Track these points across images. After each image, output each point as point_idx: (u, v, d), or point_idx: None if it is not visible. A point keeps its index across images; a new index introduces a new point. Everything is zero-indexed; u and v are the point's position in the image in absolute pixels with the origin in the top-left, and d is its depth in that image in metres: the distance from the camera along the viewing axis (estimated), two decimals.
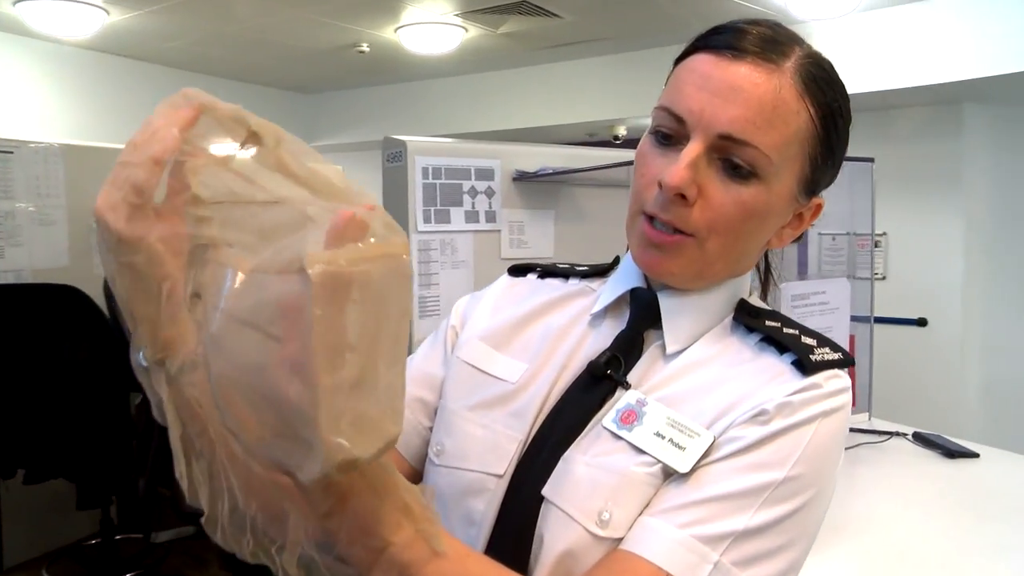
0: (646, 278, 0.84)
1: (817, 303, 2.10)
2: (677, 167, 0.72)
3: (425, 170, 2.53)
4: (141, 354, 0.55)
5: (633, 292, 0.83)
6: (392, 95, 7.18)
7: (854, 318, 2.27)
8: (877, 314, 2.70)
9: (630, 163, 2.75)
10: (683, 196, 0.73)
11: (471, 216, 2.61)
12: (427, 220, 2.47)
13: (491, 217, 2.70)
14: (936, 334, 5.35)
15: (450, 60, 6.13)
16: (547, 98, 6.49)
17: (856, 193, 2.75)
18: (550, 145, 2.93)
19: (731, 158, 0.73)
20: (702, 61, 0.75)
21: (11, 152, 3.68)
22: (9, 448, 3.03)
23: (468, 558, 0.62)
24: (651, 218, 0.76)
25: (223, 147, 0.53)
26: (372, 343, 0.47)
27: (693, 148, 0.73)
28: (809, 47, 0.77)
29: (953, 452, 2.27)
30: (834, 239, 2.89)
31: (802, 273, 2.47)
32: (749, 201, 0.74)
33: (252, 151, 0.53)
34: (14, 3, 4.60)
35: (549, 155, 2.81)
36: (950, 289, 5.33)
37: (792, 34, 0.77)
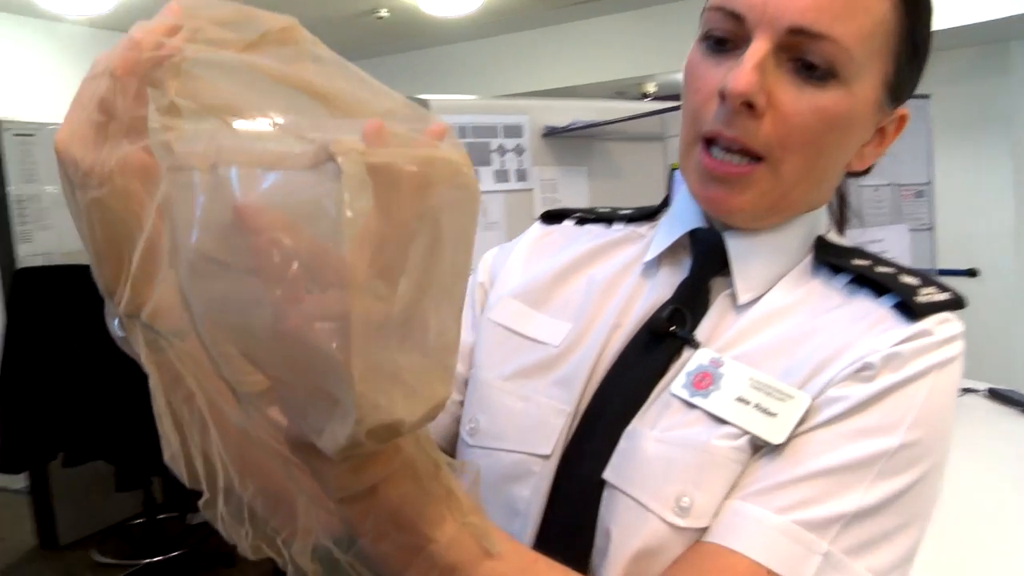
0: (706, 217, 0.71)
1: None
2: (741, 70, 0.59)
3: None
4: (117, 322, 0.44)
5: (693, 234, 0.71)
6: (415, 61, 7.07)
7: None
8: (926, 266, 2.53)
9: (664, 111, 2.59)
10: (750, 105, 0.60)
11: (501, 176, 2.51)
12: None
13: (522, 176, 2.59)
14: (988, 285, 5.16)
15: (472, 22, 6.00)
16: (573, 58, 6.34)
17: (904, 136, 2.57)
18: (580, 99, 2.82)
19: (804, 57, 0.60)
20: None
21: (32, 135, 3.64)
22: (47, 431, 3.02)
23: (537, 563, 0.51)
24: (710, 144, 0.64)
25: (218, 49, 0.41)
26: (423, 273, 0.35)
27: (758, 47, 0.60)
28: None
29: None
30: (876, 190, 2.73)
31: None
32: (829, 107, 0.61)
33: (261, 55, 0.41)
34: None
35: (579, 109, 2.68)
36: (1001, 237, 5.16)
37: None
